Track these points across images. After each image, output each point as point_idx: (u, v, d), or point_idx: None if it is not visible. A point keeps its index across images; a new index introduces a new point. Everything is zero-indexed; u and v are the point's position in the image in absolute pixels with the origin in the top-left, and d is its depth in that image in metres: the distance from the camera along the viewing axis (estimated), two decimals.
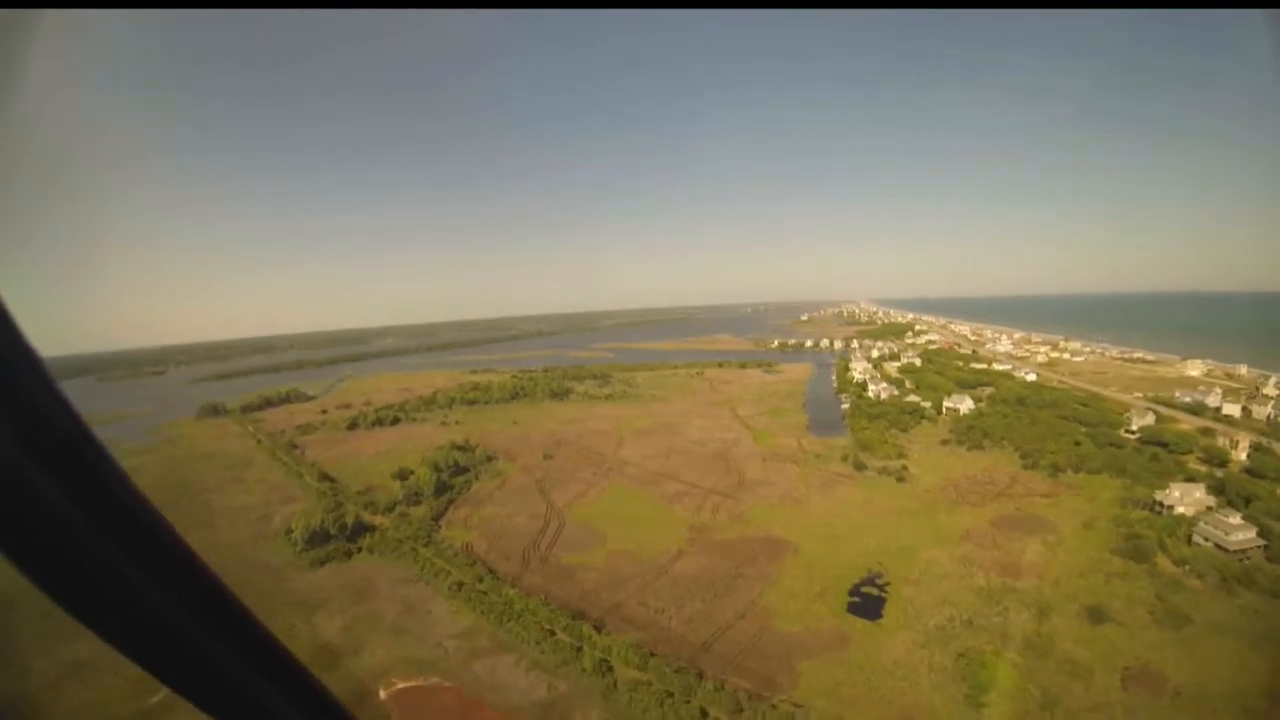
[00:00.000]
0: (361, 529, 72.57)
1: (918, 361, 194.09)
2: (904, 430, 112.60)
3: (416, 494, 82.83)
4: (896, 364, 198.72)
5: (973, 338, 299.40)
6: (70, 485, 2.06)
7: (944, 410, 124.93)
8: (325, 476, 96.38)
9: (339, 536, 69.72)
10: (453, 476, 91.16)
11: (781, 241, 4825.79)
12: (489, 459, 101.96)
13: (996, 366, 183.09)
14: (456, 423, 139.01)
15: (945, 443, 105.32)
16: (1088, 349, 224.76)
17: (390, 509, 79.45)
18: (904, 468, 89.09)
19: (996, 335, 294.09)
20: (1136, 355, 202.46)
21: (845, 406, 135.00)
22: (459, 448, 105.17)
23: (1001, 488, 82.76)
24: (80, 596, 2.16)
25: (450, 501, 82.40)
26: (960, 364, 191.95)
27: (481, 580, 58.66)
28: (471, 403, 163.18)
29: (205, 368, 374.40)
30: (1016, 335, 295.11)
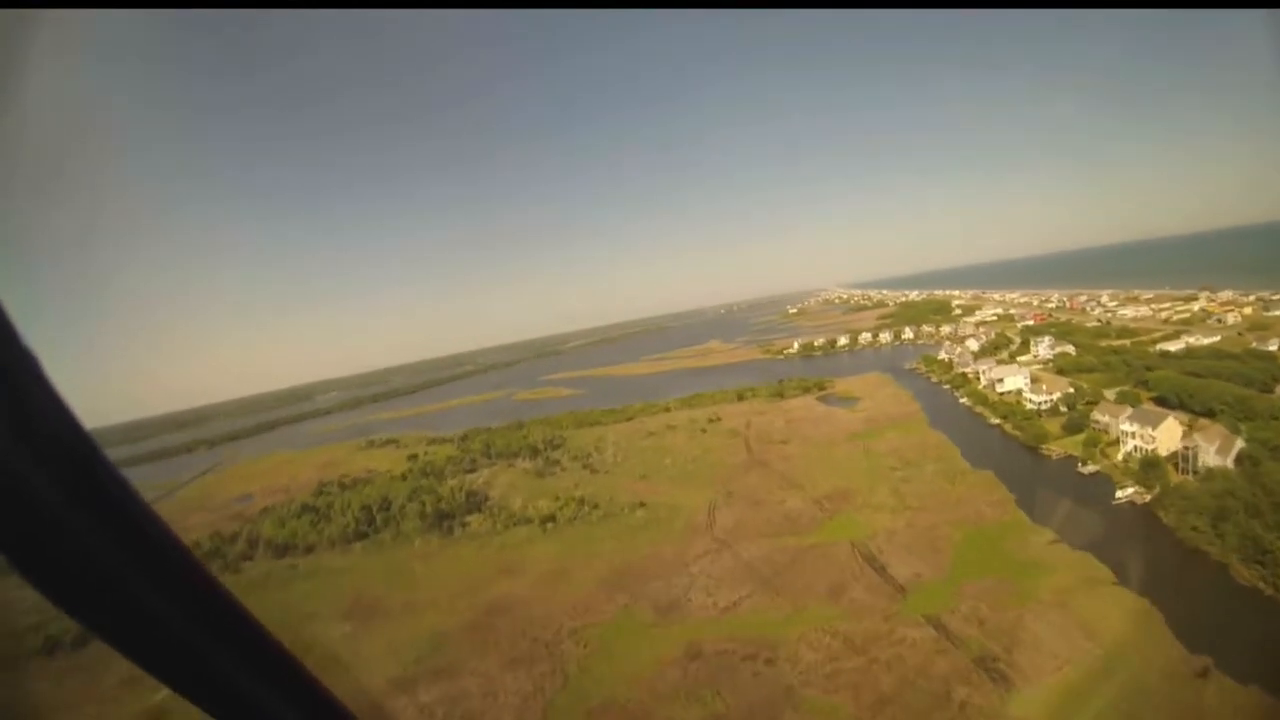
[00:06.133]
0: None
1: (1071, 349, 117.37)
2: None
3: None
4: (1026, 359, 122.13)
5: (1049, 305, 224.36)
6: (67, 486, 2.00)
7: None
8: None
9: None
10: None
11: (736, 240, 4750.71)
12: None
13: (1195, 340, 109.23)
14: None
15: None
16: (1251, 299, 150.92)
17: None
18: None
19: (1088, 299, 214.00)
20: None
21: (1129, 495, 57.72)
22: None
23: None
24: (78, 597, 2.10)
25: None
26: (1124, 343, 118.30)
27: None
28: (285, 549, 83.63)
29: (116, 453, 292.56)
30: (1105, 294, 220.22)
